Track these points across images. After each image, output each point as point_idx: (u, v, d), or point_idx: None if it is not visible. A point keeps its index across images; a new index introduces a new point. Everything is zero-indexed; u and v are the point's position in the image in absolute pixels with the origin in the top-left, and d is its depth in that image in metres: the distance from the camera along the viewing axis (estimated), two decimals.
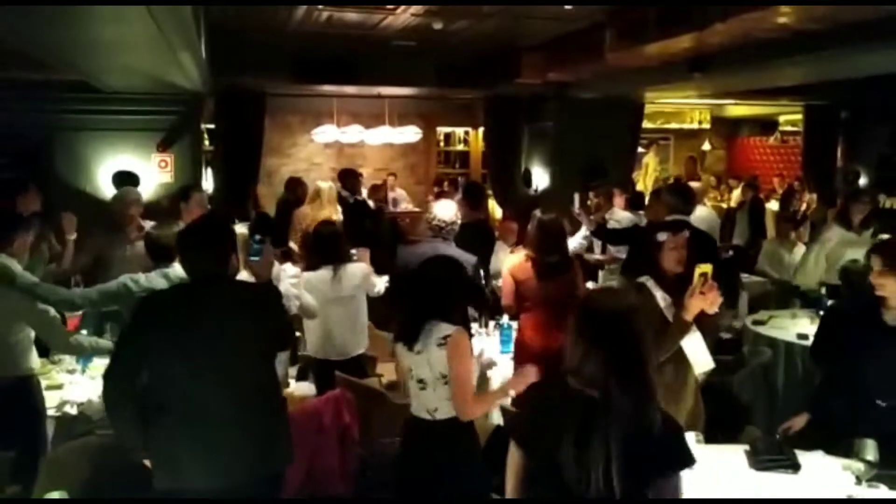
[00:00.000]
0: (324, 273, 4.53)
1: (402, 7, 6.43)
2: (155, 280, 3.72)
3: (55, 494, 2.42)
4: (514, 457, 2.15)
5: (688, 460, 2.02)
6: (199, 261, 2.78)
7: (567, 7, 6.22)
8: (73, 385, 4.04)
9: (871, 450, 2.75)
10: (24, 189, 5.26)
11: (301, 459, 3.60)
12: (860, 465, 2.75)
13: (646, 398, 1.98)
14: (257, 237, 3.07)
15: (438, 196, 9.06)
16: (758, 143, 14.68)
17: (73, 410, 3.72)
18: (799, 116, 12.13)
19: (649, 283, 3.45)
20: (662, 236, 3.49)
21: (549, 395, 2.16)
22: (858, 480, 2.79)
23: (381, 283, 4.91)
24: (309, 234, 5.97)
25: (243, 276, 4.12)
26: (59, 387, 4.02)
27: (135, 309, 2.78)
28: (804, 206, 10.77)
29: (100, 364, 4.31)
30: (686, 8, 5.44)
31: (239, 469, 2.68)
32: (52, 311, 3.69)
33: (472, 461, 3.04)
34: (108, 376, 2.70)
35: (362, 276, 4.69)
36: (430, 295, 3.06)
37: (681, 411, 3.36)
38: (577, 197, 6.18)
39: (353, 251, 5.17)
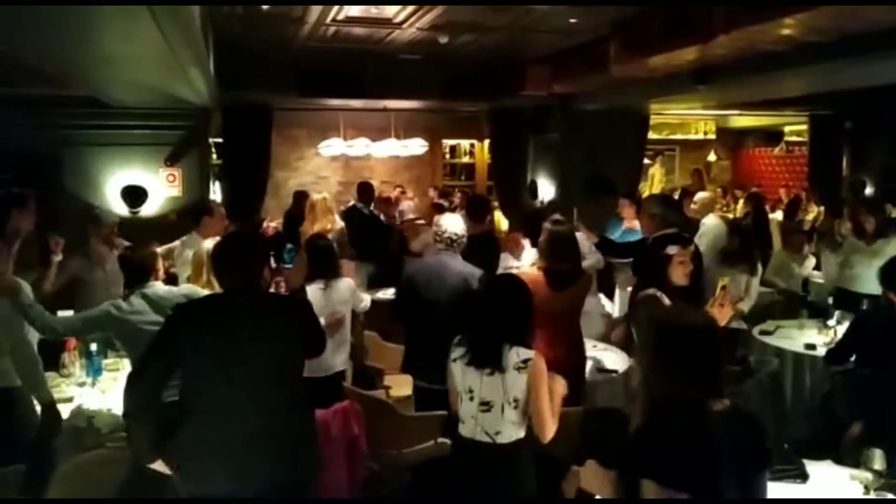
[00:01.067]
0: (316, 287, 4.44)
1: (408, 21, 6.49)
2: (136, 302, 3.67)
3: None
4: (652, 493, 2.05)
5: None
6: (232, 273, 2.84)
7: (571, 20, 6.27)
8: (83, 398, 4.07)
9: (878, 459, 2.76)
10: (23, 204, 5.17)
11: None
12: (868, 475, 2.75)
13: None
14: (288, 246, 3.11)
15: (437, 209, 9.05)
16: (763, 153, 14.70)
17: (83, 423, 3.74)
18: (804, 127, 12.16)
19: (658, 293, 3.47)
20: (672, 249, 3.51)
21: (672, 422, 2.08)
22: (867, 490, 2.79)
23: (367, 299, 4.89)
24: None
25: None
26: (70, 399, 4.04)
27: (168, 318, 2.84)
28: (811, 217, 10.77)
29: (109, 377, 4.36)
30: (689, 20, 5.48)
31: (266, 475, 2.72)
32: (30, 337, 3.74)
33: (531, 484, 3.00)
34: (133, 381, 2.74)
35: (350, 291, 4.61)
36: (507, 317, 2.99)
37: None
38: (576, 210, 6.19)
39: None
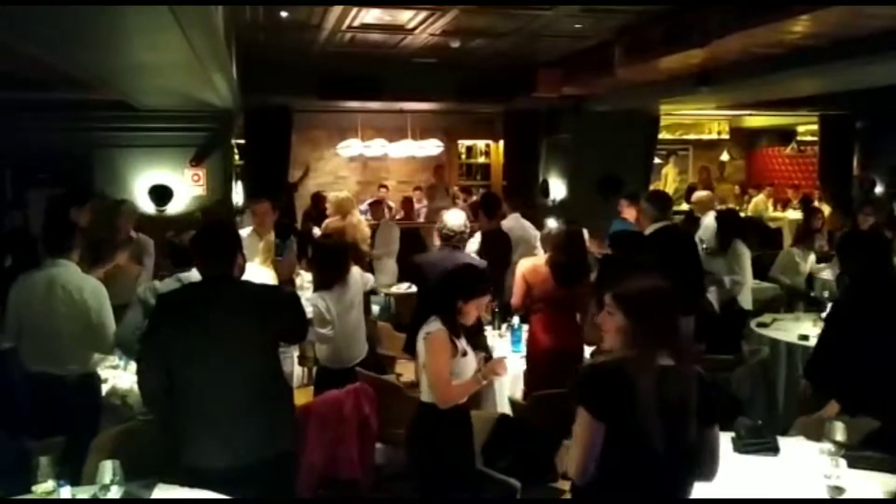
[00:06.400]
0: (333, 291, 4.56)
1: (420, 27, 6.78)
2: (169, 284, 3.93)
3: (108, 465, 2.75)
4: (584, 424, 2.34)
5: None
6: (208, 262, 3.06)
7: (577, 26, 6.53)
8: (116, 379, 4.40)
9: (839, 431, 2.99)
10: (82, 203, 5.66)
11: (323, 446, 3.93)
12: (830, 446, 2.98)
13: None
14: (278, 240, 3.37)
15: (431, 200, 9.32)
16: (776, 152, 14.80)
17: (118, 400, 4.08)
18: (817, 126, 12.27)
19: None
20: None
21: (616, 369, 2.36)
22: (832, 458, 2.99)
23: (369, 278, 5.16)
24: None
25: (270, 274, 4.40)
26: (104, 381, 4.38)
27: (153, 309, 3.11)
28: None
29: None
30: (688, 25, 5.71)
31: (243, 450, 2.93)
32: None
33: (457, 432, 3.36)
34: (138, 371, 3.09)
35: (360, 278, 4.82)
36: (429, 297, 3.45)
37: None
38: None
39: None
